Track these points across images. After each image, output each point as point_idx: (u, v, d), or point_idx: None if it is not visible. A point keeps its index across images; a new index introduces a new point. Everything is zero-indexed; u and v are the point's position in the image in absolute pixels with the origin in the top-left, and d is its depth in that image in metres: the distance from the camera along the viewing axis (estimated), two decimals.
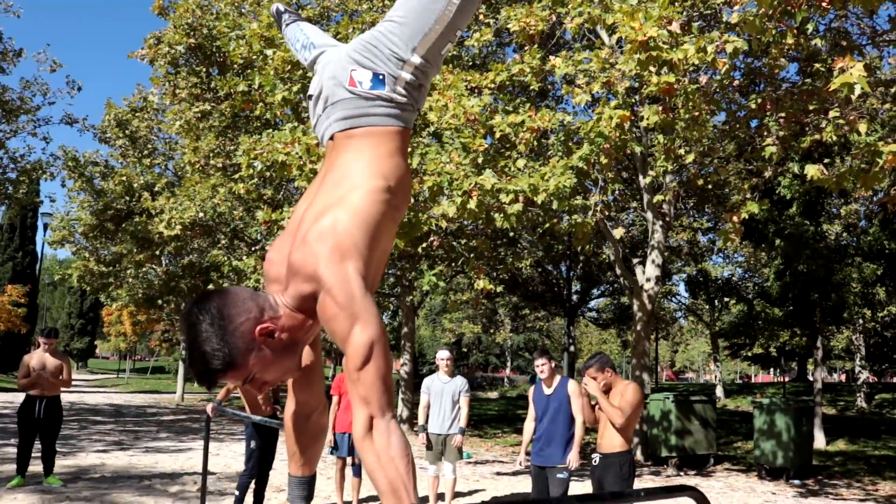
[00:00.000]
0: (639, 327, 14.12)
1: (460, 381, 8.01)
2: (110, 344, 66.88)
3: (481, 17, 13.30)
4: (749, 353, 31.42)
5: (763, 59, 7.70)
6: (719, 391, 29.89)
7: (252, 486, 7.16)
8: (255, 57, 10.35)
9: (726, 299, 23.38)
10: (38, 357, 8.16)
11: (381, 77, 1.81)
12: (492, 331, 55.03)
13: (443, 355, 8.10)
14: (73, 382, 36.51)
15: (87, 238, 21.70)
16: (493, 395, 42.85)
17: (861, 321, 21.82)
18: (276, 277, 1.71)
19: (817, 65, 7.16)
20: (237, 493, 6.97)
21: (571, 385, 6.44)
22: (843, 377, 55.35)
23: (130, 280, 22.75)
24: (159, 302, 21.93)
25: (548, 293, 29.45)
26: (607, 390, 5.44)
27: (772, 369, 53.94)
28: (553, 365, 6.68)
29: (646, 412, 13.21)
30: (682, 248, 24.89)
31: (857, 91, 4.93)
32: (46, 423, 8.18)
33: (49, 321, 54.28)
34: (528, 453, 6.60)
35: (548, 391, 6.49)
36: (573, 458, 6.19)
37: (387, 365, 1.53)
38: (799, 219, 16.02)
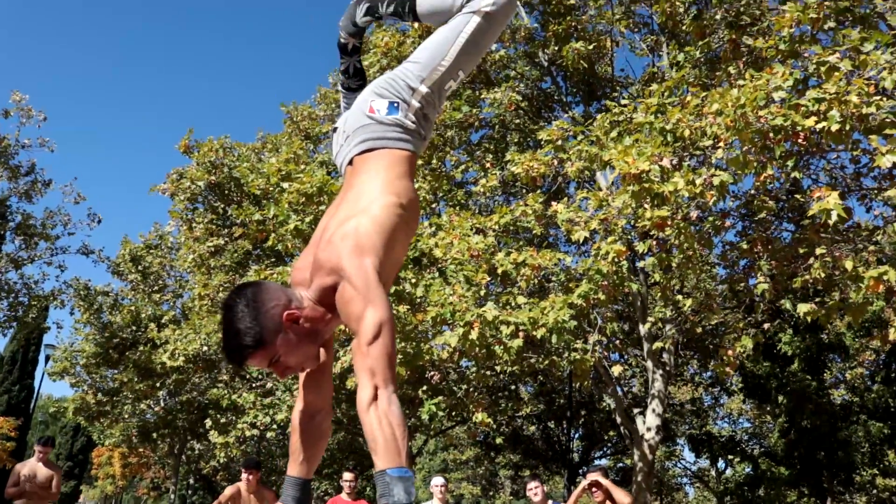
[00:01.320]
0: (639, 478, 13.77)
1: None
2: (96, 490, 64.57)
3: (488, 165, 14.05)
4: None
5: (752, 196, 8.14)
6: None
7: None
8: (271, 189, 10.92)
9: (731, 457, 22.89)
10: (30, 466, 8.08)
11: (395, 104, 2.11)
12: (491, 493, 53.07)
13: (437, 482, 8.00)
14: None
15: (87, 370, 21.68)
16: None
17: (875, 490, 21.13)
18: (300, 281, 1.96)
19: (800, 198, 7.57)
20: None
21: None
22: None
23: (126, 416, 22.49)
24: (154, 436, 21.55)
25: (549, 451, 28.89)
26: (607, 496, 5.41)
27: None
28: (545, 489, 6.62)
29: None
30: (684, 406, 24.61)
31: (834, 217, 5.25)
32: None
33: None
34: None
35: None
36: None
37: (393, 345, 1.71)
38: (801, 374, 16.02)
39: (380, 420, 1.61)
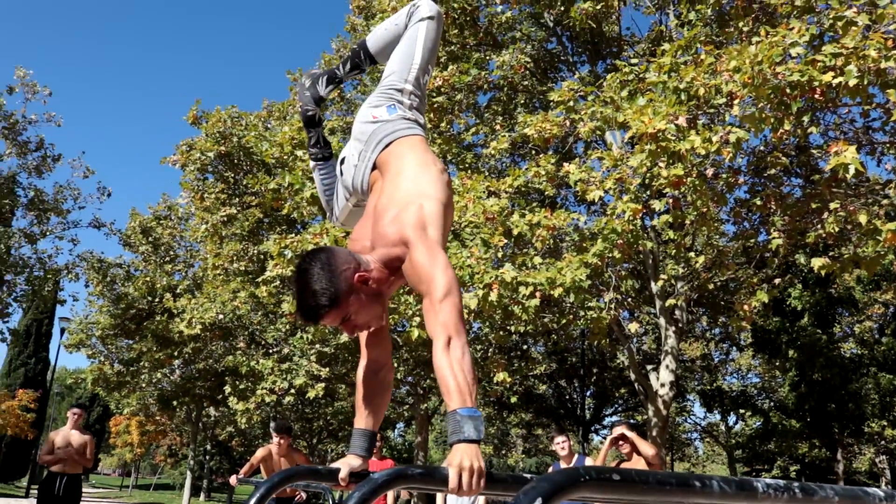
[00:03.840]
0: (654, 433, 14.03)
1: None
2: (113, 459, 65.70)
3: (498, 126, 14.07)
4: (769, 477, 30.61)
5: (766, 153, 8.20)
6: None
7: None
8: (286, 157, 10.99)
9: (742, 411, 23.22)
10: (64, 434, 8.29)
11: (392, 105, 2.44)
12: (503, 452, 53.84)
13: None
14: None
15: (103, 342, 21.98)
16: None
17: (883, 441, 21.43)
18: (359, 250, 2.15)
19: (814, 152, 7.63)
20: None
21: (588, 461, 6.53)
22: None
23: (144, 385, 22.85)
24: (174, 403, 21.93)
25: (561, 409, 29.29)
26: (634, 448, 5.59)
27: None
28: (572, 443, 6.79)
29: None
30: (695, 362, 24.85)
31: (851, 171, 5.33)
32: (66, 501, 8.21)
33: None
34: None
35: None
36: None
37: (461, 301, 1.91)
38: (811, 329, 16.18)
39: (451, 365, 1.77)
